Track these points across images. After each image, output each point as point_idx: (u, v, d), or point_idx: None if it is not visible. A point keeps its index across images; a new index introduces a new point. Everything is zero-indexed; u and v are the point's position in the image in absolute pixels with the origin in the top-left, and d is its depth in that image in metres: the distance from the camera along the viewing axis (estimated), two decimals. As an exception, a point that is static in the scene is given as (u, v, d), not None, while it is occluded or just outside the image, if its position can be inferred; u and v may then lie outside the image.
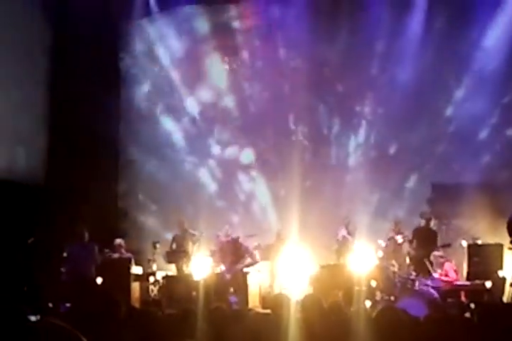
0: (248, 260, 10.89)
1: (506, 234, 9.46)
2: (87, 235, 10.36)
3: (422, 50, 12.56)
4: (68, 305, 9.06)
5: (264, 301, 10.33)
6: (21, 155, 12.55)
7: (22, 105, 12.28)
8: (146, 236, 12.69)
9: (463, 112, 12.50)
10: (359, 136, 13.28)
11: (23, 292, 9.77)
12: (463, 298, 9.95)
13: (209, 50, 13.88)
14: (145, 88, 14.27)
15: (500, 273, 10.02)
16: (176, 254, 11.36)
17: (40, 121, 13.00)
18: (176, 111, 14.04)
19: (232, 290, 10.44)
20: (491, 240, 10.75)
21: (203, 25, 13.81)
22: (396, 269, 10.50)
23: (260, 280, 11.10)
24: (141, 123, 14.13)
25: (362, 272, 10.14)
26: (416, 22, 12.62)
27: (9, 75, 12.05)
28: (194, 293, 9.95)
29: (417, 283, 9.95)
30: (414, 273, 10.27)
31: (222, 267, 10.94)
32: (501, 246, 10.12)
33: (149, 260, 11.17)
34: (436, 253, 10.47)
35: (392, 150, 13.02)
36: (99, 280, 10.19)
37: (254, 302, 10.53)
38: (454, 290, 10.05)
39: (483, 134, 12.41)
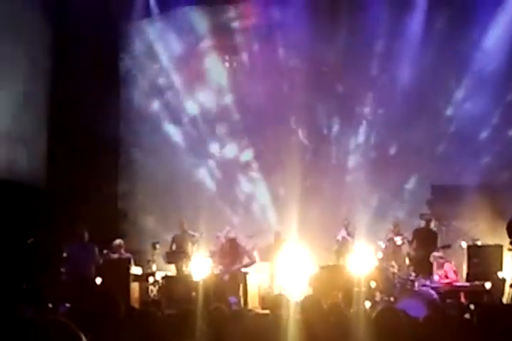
0: (246, 260, 10.89)
1: (506, 235, 9.48)
2: (86, 235, 10.35)
3: (422, 50, 12.56)
4: (68, 305, 9.04)
5: (264, 302, 10.32)
6: (21, 155, 12.53)
7: (22, 105, 12.28)
8: (146, 236, 12.67)
9: (463, 113, 12.51)
10: (359, 136, 13.28)
11: (22, 291, 9.75)
12: (462, 299, 9.96)
13: (209, 51, 13.88)
14: (145, 88, 14.26)
15: (500, 274, 10.03)
16: (176, 255, 11.36)
17: (40, 121, 12.99)
18: (175, 111, 14.02)
19: (231, 290, 10.43)
20: (490, 241, 10.75)
21: (202, 25, 13.81)
22: (396, 270, 10.51)
23: (260, 280, 11.11)
24: (141, 123, 14.12)
25: (361, 273, 10.13)
26: (416, 22, 12.61)
27: (9, 75, 12.05)
28: (193, 294, 9.93)
29: (416, 284, 9.95)
30: (413, 274, 10.28)
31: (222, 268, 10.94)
32: (501, 247, 10.13)
33: (149, 260, 11.17)
34: (436, 254, 10.48)
35: (392, 150, 13.02)
36: (98, 280, 10.18)
37: (253, 302, 10.53)
38: (453, 291, 10.05)
39: (484, 135, 12.41)
